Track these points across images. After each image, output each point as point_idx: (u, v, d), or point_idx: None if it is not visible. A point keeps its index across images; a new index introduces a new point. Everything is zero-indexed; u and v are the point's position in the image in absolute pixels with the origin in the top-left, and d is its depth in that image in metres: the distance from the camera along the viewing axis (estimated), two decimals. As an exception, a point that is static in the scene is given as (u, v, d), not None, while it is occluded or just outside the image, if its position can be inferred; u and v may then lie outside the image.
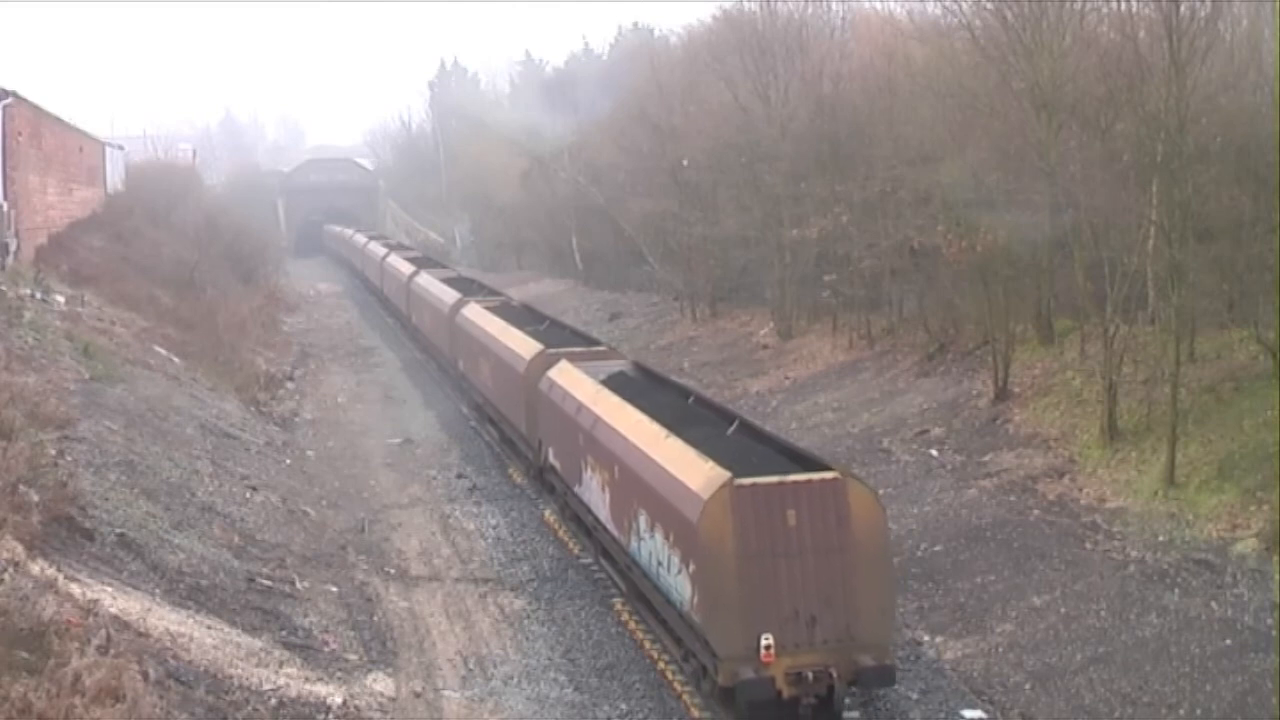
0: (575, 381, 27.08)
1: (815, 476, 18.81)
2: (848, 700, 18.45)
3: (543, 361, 30.03)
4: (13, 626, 14.62)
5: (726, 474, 18.56)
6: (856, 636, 18.15)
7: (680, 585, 19.35)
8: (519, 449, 32.96)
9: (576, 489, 26.00)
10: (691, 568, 18.81)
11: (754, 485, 18.44)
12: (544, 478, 29.78)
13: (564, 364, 28.76)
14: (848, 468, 20.30)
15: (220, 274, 59.98)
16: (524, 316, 38.97)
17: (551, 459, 28.44)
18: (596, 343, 34.10)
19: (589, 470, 24.82)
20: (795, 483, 18.62)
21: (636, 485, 21.55)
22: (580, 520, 26.37)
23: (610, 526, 23.45)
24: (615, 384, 26.24)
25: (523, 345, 32.45)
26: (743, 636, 17.94)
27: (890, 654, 18.73)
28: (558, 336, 34.36)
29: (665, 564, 20.04)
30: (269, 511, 26.52)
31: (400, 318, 59.94)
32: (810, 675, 17.89)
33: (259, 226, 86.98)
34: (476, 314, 39.63)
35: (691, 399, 26.27)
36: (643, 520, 21.21)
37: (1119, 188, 28.10)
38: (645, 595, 21.66)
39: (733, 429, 22.82)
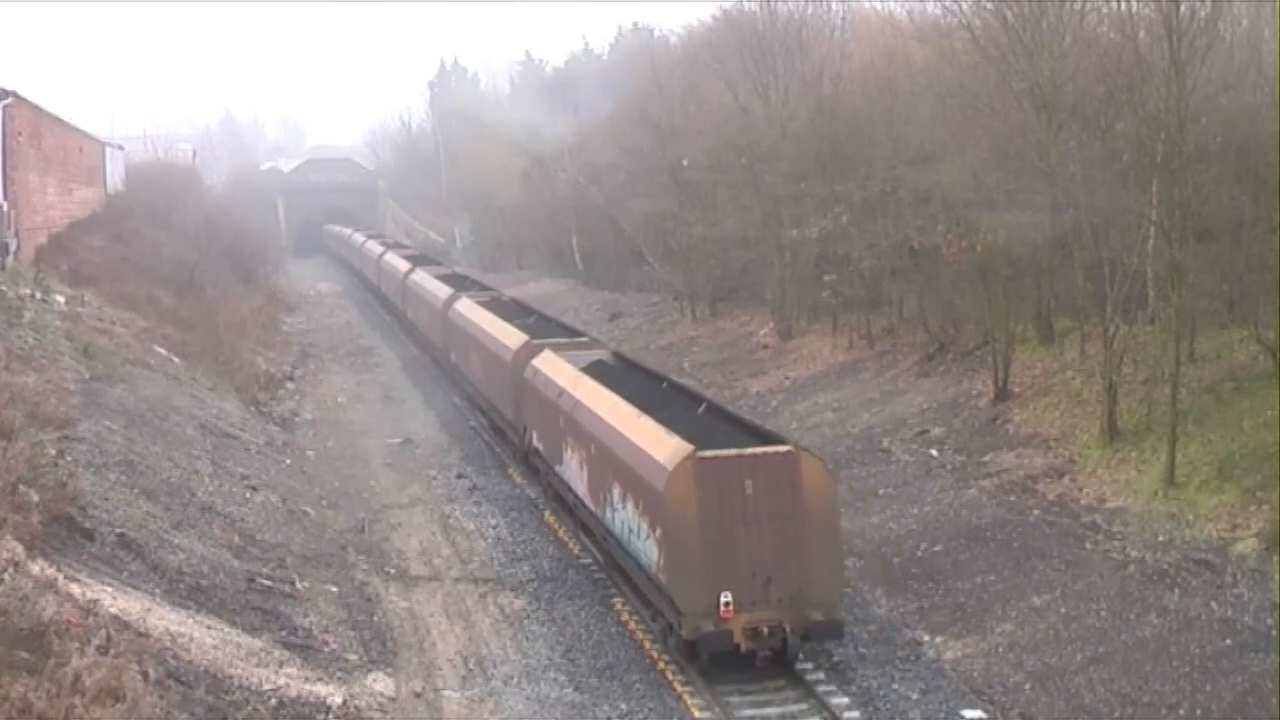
0: (558, 369, 28.65)
1: (771, 449, 20.65)
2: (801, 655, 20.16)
3: (528, 351, 31.58)
4: (13, 626, 14.62)
5: (690, 447, 20.26)
6: (808, 595, 19.88)
7: (648, 549, 20.97)
8: (507, 436, 34.47)
9: (558, 468, 27.59)
10: (658, 532, 20.45)
11: (715, 457, 20.16)
12: (529, 461, 31.38)
13: (548, 353, 30.32)
14: (799, 442, 22.09)
15: (220, 274, 60.00)
16: (513, 311, 40.46)
17: (535, 442, 29.97)
18: (579, 334, 36.03)
19: (569, 450, 26.39)
20: (753, 455, 20.40)
21: (611, 461, 23.17)
22: (561, 498, 27.97)
23: (587, 501, 25.03)
24: (595, 371, 27.90)
25: (510, 336, 34.15)
26: (704, 595, 19.66)
27: (839, 611, 20.32)
28: (543, 329, 35.86)
29: (636, 531, 21.66)
30: (269, 511, 26.52)
31: (396, 314, 61.45)
32: (766, 630, 19.67)
33: (259, 227, 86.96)
34: (468, 308, 41.28)
35: (665, 384, 27.88)
36: (616, 492, 22.81)
37: (1119, 188, 28.10)
38: (619, 563, 23.20)
39: (702, 409, 24.62)
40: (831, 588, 20.21)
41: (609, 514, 23.38)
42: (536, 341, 32.15)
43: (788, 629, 19.68)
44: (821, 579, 19.97)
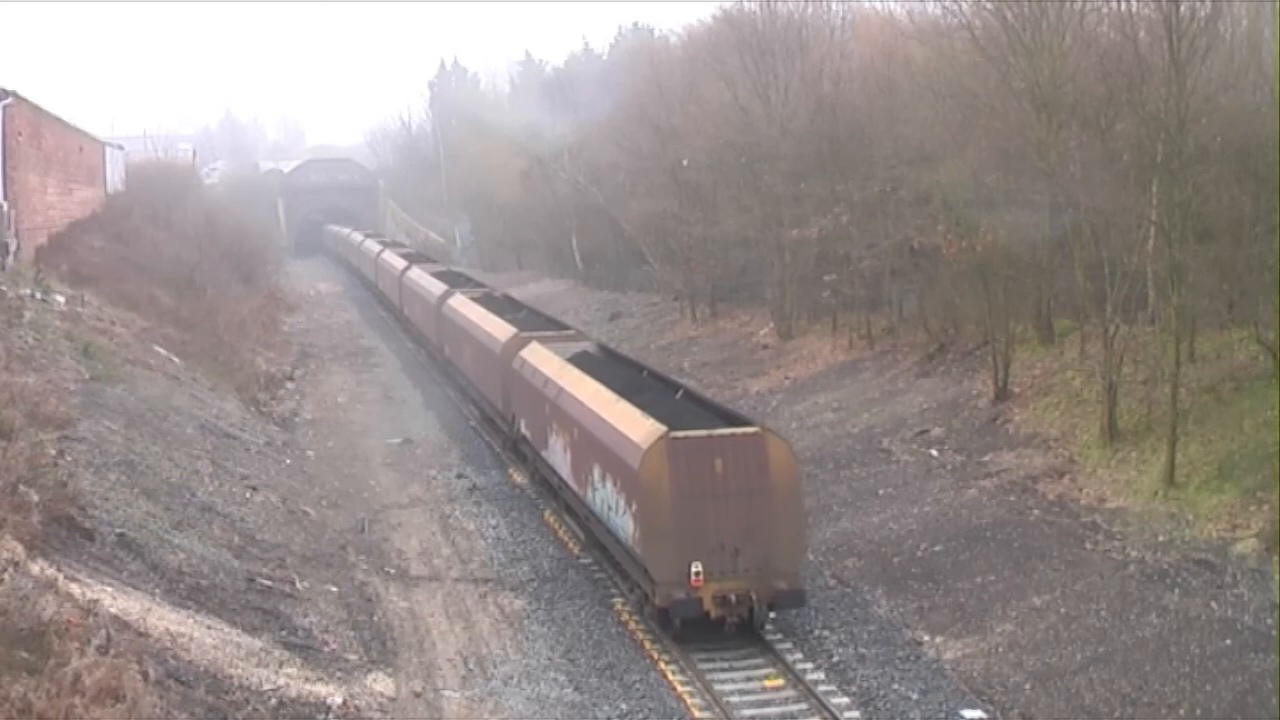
0: (544, 359, 29.99)
1: (739, 430, 22.21)
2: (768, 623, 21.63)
3: (516, 343, 32.91)
4: (13, 626, 14.62)
5: (664, 428, 21.74)
6: (773, 565, 21.31)
7: (625, 524, 22.39)
8: (497, 425, 35.93)
9: (544, 453, 28.96)
10: (634, 507, 21.86)
11: (687, 437, 21.66)
12: (517, 448, 32.92)
13: (535, 345, 31.68)
14: (767, 424, 24.08)
15: (220, 274, 59.99)
16: (503, 306, 42.05)
17: (523, 430, 31.42)
18: (566, 327, 37.29)
19: (554, 435, 27.72)
20: (722, 435, 21.95)
21: (592, 443, 24.49)
22: (547, 482, 29.36)
23: (571, 482, 26.42)
24: (579, 361, 29.26)
25: (499, 329, 35.57)
26: (676, 565, 21.10)
27: (802, 580, 21.90)
28: (531, 322, 37.32)
29: (614, 507, 23.08)
30: (269, 511, 26.52)
31: (393, 310, 63.15)
32: (733, 598, 21.06)
33: (259, 228, 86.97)
34: (461, 304, 42.78)
35: (645, 372, 29.43)
36: (596, 472, 24.18)
37: (1119, 188, 28.07)
38: (600, 540, 24.58)
39: (679, 395, 26.16)
40: (795, 559, 21.81)
41: (590, 493, 24.65)
42: (524, 334, 33.46)
43: (754, 597, 21.04)
44: (786, 551, 21.48)
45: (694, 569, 20.94)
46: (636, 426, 22.47)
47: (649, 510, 21.38)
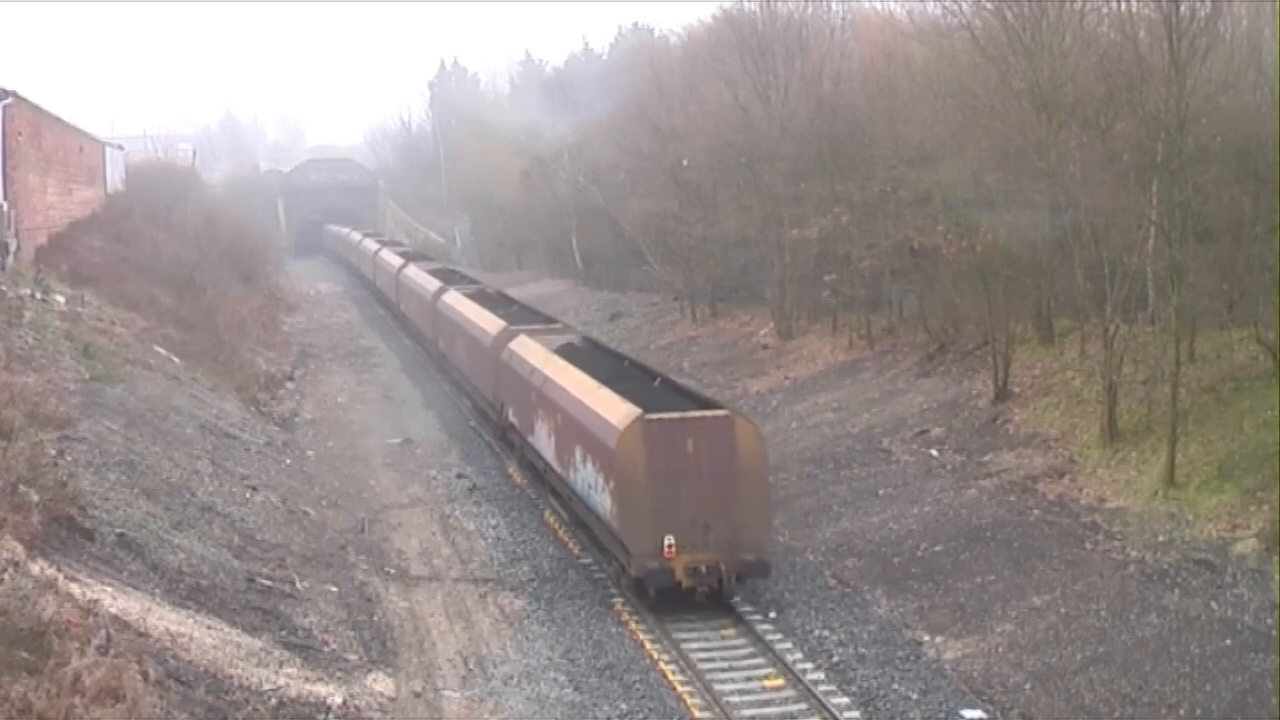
0: (531, 351, 31.50)
1: (709, 414, 23.84)
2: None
3: (506, 336, 34.44)
4: (13, 626, 14.61)
5: (639, 410, 23.27)
6: (741, 539, 22.75)
7: (604, 501, 23.88)
8: (489, 415, 37.30)
9: (530, 439, 30.51)
10: (611, 485, 23.36)
11: (661, 419, 23.19)
12: (506, 436, 34.50)
13: (523, 337, 33.22)
14: (736, 408, 26.38)
15: (220, 274, 59.98)
16: (495, 301, 43.66)
17: (511, 418, 33.01)
18: (553, 321, 38.90)
19: (539, 421, 29.23)
20: (694, 418, 23.56)
21: (574, 427, 25.93)
22: (534, 466, 30.82)
23: (555, 465, 27.91)
24: (564, 352, 30.79)
25: (490, 323, 37.14)
26: (650, 537, 22.54)
27: (766, 553, 23.24)
28: (521, 316, 38.89)
29: (594, 486, 24.54)
30: (269, 511, 26.52)
31: (390, 307, 64.57)
32: (704, 569, 22.51)
33: (259, 228, 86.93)
34: (455, 300, 44.31)
35: (627, 362, 31.19)
36: (578, 454, 25.66)
37: (1119, 188, 28.06)
38: (581, 518, 26.04)
39: (657, 382, 27.68)
40: (761, 533, 23.25)
41: (572, 474, 26.09)
42: (513, 328, 34.82)
43: (723, 568, 22.48)
44: (753, 525, 22.92)
45: (667, 541, 22.34)
46: (614, 410, 23.88)
47: (625, 487, 22.84)
